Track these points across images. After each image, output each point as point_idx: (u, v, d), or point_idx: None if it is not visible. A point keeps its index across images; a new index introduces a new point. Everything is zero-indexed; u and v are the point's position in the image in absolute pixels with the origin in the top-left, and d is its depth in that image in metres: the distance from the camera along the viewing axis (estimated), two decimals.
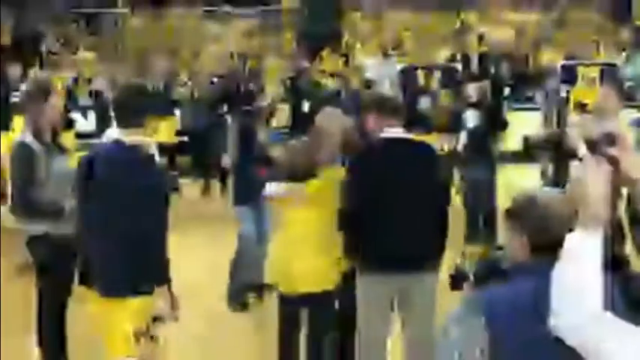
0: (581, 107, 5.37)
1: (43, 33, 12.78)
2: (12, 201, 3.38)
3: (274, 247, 3.40)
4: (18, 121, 5.50)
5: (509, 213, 1.71)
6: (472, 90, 6.01)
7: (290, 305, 3.34)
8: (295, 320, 3.37)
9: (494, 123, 5.94)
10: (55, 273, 3.35)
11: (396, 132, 3.15)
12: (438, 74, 8.81)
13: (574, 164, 1.52)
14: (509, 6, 14.96)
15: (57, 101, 3.50)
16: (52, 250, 3.30)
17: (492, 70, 10.65)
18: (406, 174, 3.05)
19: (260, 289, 4.73)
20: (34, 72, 10.71)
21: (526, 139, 7.86)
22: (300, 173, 3.27)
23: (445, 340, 1.65)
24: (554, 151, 5.84)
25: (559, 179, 5.34)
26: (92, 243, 2.78)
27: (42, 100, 3.38)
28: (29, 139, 3.33)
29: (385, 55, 11.79)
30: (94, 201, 2.75)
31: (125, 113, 2.80)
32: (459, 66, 10.05)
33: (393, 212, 3.00)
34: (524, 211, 1.66)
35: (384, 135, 3.12)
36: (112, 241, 2.69)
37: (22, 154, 3.30)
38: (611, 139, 1.47)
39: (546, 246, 1.58)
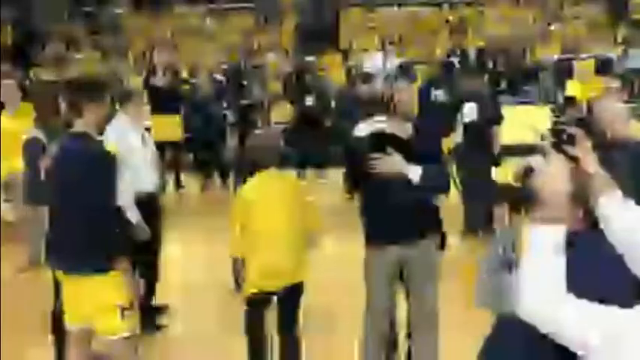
0: (572, 102, 5.46)
1: (45, 32, 12.88)
2: (23, 191, 3.48)
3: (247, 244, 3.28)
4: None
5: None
6: (474, 84, 6.09)
7: (260, 304, 3.33)
8: (263, 319, 3.37)
9: (492, 117, 6.02)
10: None
11: (380, 120, 3.29)
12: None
13: (534, 160, 1.63)
14: (505, 1, 15.05)
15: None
16: None
17: (490, 65, 10.75)
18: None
19: None
20: (35, 71, 10.85)
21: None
22: (266, 164, 3.27)
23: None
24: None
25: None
26: (51, 222, 3.01)
27: (51, 97, 3.54)
28: (38, 133, 3.49)
29: (383, 49, 11.89)
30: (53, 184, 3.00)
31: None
32: (456, 61, 10.15)
33: (390, 187, 3.15)
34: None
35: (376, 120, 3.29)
36: (64, 220, 2.91)
37: (32, 149, 3.45)
38: (572, 139, 1.64)
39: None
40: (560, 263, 1.53)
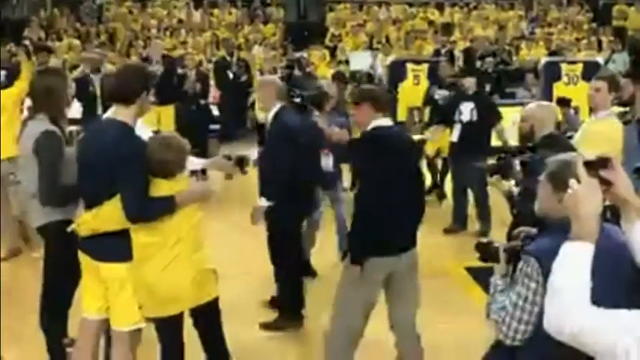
0: (565, 103, 5.48)
1: (27, 19, 12.61)
2: (41, 191, 3.20)
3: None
4: None
5: (549, 177, 2.03)
6: (468, 82, 6.08)
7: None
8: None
9: (490, 116, 6.02)
10: (69, 257, 3.23)
11: (387, 122, 3.22)
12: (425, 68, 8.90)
13: (571, 183, 1.67)
14: (491, 3, 15.18)
15: (68, 86, 3.49)
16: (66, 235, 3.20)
17: (477, 66, 10.80)
18: (406, 161, 3.22)
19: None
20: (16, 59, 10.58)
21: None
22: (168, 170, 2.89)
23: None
24: None
25: None
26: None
27: (60, 88, 3.32)
28: (52, 127, 3.24)
29: (370, 48, 11.88)
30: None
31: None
32: (445, 60, 10.17)
33: (394, 198, 3.10)
34: (561, 175, 1.96)
35: (378, 124, 3.17)
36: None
37: (54, 144, 3.19)
38: (604, 162, 1.70)
39: None
40: (587, 278, 1.59)
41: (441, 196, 7.14)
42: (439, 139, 6.87)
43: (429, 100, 7.49)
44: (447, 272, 5.14)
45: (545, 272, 1.76)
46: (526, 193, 3.13)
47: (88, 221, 2.87)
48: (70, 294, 3.38)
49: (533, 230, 2.18)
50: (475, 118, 5.97)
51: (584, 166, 1.66)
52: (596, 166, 1.68)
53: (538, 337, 1.91)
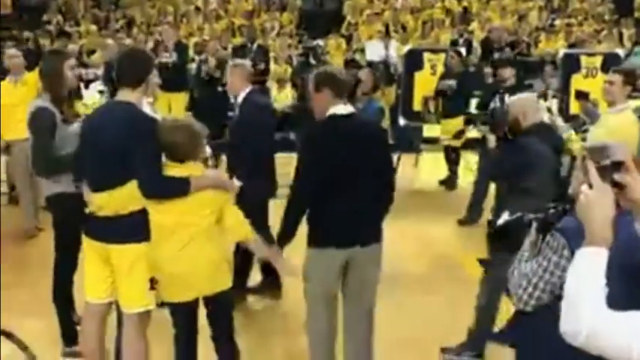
0: (583, 96, 5.41)
1: (46, 3, 12.68)
2: (33, 161, 3.49)
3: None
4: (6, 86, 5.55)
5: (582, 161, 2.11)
6: (507, 74, 6.02)
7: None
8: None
9: None
10: (73, 229, 3.43)
11: (345, 109, 3.10)
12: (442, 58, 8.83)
13: (583, 188, 1.65)
14: None
15: (73, 69, 3.61)
16: (70, 207, 3.40)
17: (495, 56, 10.69)
18: (358, 150, 3.07)
19: None
20: (35, 40, 10.67)
21: None
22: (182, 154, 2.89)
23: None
24: None
25: None
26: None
27: (59, 68, 3.51)
28: (48, 104, 3.47)
29: (387, 37, 11.79)
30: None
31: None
32: (464, 51, 10.08)
33: (345, 188, 3.04)
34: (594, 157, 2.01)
35: (334, 112, 3.08)
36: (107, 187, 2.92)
37: (44, 118, 3.44)
38: (618, 166, 1.65)
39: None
40: (602, 283, 1.57)
41: (452, 187, 7.12)
42: (452, 130, 6.84)
43: (438, 91, 7.49)
44: (462, 264, 5.12)
45: (572, 249, 1.90)
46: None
47: (108, 203, 2.86)
48: (74, 266, 3.53)
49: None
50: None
51: (597, 170, 1.63)
52: (610, 169, 1.65)
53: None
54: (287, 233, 3.06)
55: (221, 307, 3.02)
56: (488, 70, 9.89)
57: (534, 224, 2.21)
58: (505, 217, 3.29)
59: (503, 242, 3.34)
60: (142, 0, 13.74)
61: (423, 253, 5.51)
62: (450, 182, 7.44)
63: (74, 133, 3.39)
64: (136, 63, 2.94)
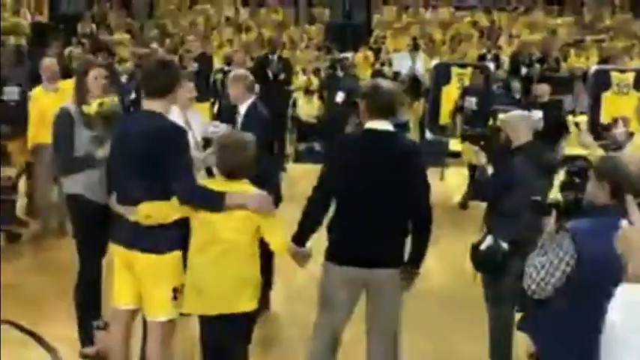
0: (606, 129, 5.33)
1: (80, 13, 12.99)
2: (54, 161, 3.71)
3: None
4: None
5: (595, 172, 2.37)
6: (542, 90, 5.98)
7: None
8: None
9: (558, 126, 5.87)
10: (92, 231, 3.55)
11: (379, 124, 2.98)
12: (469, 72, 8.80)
13: (624, 224, 1.69)
14: (540, 8, 14.90)
15: (99, 76, 3.71)
16: (89, 209, 3.54)
17: (523, 72, 10.63)
18: (381, 168, 2.94)
19: None
20: (70, 50, 10.94)
21: None
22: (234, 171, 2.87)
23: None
24: None
25: None
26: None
27: (84, 77, 3.69)
28: (72, 107, 3.65)
29: (415, 50, 11.82)
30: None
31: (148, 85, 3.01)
32: (492, 65, 10.04)
33: (363, 206, 2.93)
34: (602, 168, 2.35)
35: (366, 127, 3.00)
36: (130, 194, 2.93)
37: (63, 120, 3.62)
38: None
39: (622, 193, 2.08)
40: None
41: (465, 205, 7.10)
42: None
43: (458, 108, 7.45)
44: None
45: (578, 248, 2.20)
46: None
47: (156, 212, 2.86)
48: (98, 268, 3.62)
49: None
50: (540, 126, 5.88)
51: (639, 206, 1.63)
52: None
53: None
54: (295, 242, 3.01)
55: (238, 327, 2.92)
56: (516, 84, 9.85)
57: (554, 211, 2.39)
58: (488, 241, 3.28)
59: (485, 269, 3.35)
60: (175, 11, 14.00)
61: (448, 269, 5.48)
62: (463, 200, 7.40)
63: (95, 137, 3.57)
64: (164, 73, 2.96)
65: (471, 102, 7.18)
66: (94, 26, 12.65)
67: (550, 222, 2.35)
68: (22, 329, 4.08)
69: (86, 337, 3.69)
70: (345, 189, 2.95)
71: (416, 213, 3.02)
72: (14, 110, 5.97)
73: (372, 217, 2.92)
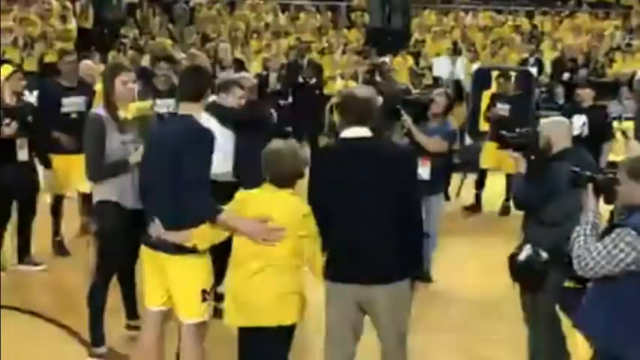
0: None
1: (123, 19, 13.26)
2: (86, 166, 3.64)
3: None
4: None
5: (628, 173, 2.50)
6: (585, 95, 5.84)
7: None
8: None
9: (602, 132, 5.72)
10: (120, 237, 3.56)
11: (358, 132, 2.84)
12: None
13: None
14: (585, 12, 14.56)
15: (128, 80, 3.70)
16: (120, 215, 3.54)
17: (566, 76, 10.40)
18: (364, 177, 2.79)
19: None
20: (112, 55, 11.19)
21: None
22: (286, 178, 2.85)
23: None
24: None
25: None
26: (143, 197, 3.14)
27: (112, 78, 3.66)
28: (102, 111, 3.63)
29: (455, 54, 11.68)
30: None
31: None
32: (534, 70, 9.84)
33: (346, 217, 2.80)
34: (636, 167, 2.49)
35: (344, 135, 2.88)
36: (156, 195, 3.00)
37: (95, 125, 3.60)
38: None
39: None
40: None
41: (506, 213, 6.95)
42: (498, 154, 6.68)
43: (487, 118, 7.30)
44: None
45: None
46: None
47: (200, 239, 2.88)
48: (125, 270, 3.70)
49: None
50: (585, 132, 5.73)
51: None
52: None
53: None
54: None
55: (277, 340, 2.88)
56: (559, 90, 9.63)
57: (590, 186, 2.54)
58: (527, 251, 3.19)
59: (524, 279, 3.26)
60: (215, 17, 14.17)
61: (488, 277, 5.37)
62: (503, 209, 7.23)
63: (127, 142, 3.58)
64: (198, 79, 3.05)
65: (504, 109, 7.04)
66: (136, 32, 12.90)
67: (589, 198, 2.53)
68: (59, 325, 4.17)
69: (97, 337, 3.72)
70: (328, 203, 2.82)
71: (404, 220, 2.81)
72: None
73: (360, 231, 2.78)
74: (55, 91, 5.42)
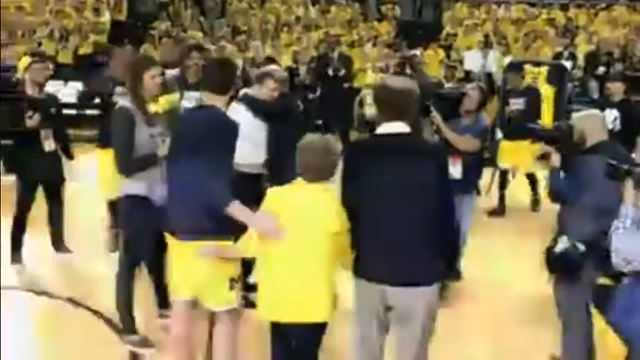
0: None
1: (155, 12, 13.41)
2: (115, 160, 3.63)
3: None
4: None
5: None
6: (615, 88, 5.76)
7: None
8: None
9: (634, 127, 5.60)
10: (146, 231, 3.60)
11: (395, 127, 2.74)
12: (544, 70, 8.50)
13: None
14: (621, 4, 14.21)
15: (155, 75, 3.71)
16: (147, 209, 3.57)
17: (601, 70, 10.18)
18: (395, 175, 2.70)
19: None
20: (144, 48, 11.34)
21: None
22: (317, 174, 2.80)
23: None
24: None
25: None
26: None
27: (141, 72, 3.67)
28: (130, 105, 3.62)
29: (487, 47, 11.53)
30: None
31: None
32: (568, 64, 9.67)
33: (375, 215, 2.73)
34: None
35: (380, 131, 2.79)
36: (180, 185, 3.03)
37: (123, 118, 3.59)
38: None
39: None
40: None
41: (535, 209, 6.84)
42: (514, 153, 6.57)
43: (500, 115, 7.18)
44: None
45: None
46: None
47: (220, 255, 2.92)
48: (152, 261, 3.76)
49: None
50: (618, 127, 5.62)
51: None
52: None
53: None
54: None
55: (310, 336, 2.86)
56: (593, 84, 9.45)
57: (630, 180, 2.52)
58: (563, 243, 3.15)
59: (562, 272, 3.22)
60: (246, 9, 14.23)
61: (515, 278, 5.30)
62: (533, 204, 7.12)
63: (155, 135, 3.60)
64: (224, 72, 3.09)
65: (519, 103, 6.90)
66: (169, 24, 13.03)
67: (628, 191, 2.50)
68: (92, 311, 4.26)
69: (126, 325, 3.77)
70: (359, 200, 2.75)
71: (439, 222, 2.72)
72: None
73: (389, 227, 2.71)
74: None
